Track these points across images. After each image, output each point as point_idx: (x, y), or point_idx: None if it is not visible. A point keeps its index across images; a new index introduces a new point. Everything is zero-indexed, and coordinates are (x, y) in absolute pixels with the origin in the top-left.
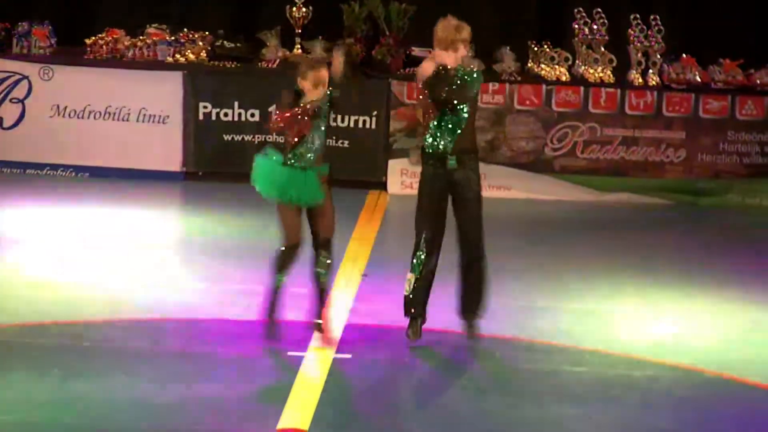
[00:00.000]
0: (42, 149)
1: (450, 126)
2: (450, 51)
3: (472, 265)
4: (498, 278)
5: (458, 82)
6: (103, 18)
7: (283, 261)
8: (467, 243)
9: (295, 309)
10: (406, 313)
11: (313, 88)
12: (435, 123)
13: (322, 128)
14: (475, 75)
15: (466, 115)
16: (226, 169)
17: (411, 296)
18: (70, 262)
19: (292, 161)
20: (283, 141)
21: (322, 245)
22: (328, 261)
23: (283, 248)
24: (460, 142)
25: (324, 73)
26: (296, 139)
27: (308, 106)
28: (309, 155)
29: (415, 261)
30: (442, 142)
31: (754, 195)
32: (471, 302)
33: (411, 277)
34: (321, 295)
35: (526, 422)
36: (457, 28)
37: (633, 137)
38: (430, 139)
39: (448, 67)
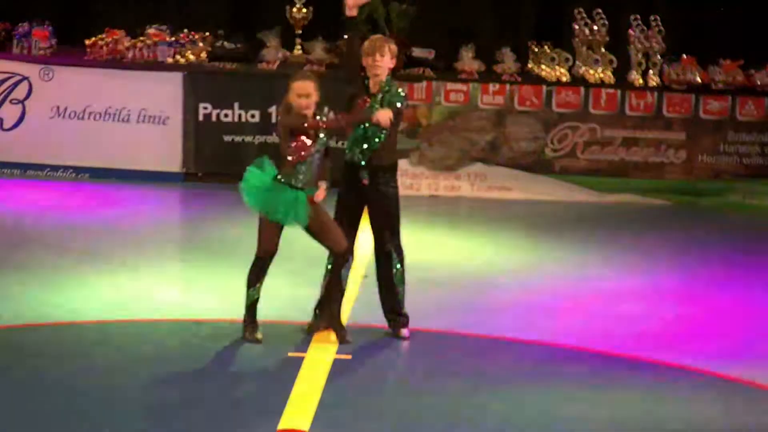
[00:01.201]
0: (42, 150)
1: (367, 140)
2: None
3: (380, 261)
4: (498, 279)
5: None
6: (103, 19)
7: (257, 271)
8: (376, 242)
9: (293, 310)
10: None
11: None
12: (353, 136)
13: (320, 150)
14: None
15: (382, 133)
16: (226, 170)
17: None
18: (69, 262)
19: (289, 179)
20: (282, 153)
21: (339, 257)
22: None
23: (258, 257)
24: (376, 157)
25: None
26: (300, 156)
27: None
28: (308, 175)
29: (328, 266)
30: (357, 156)
31: (754, 196)
32: (384, 301)
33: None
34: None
35: (527, 422)
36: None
37: (633, 138)
38: (348, 151)
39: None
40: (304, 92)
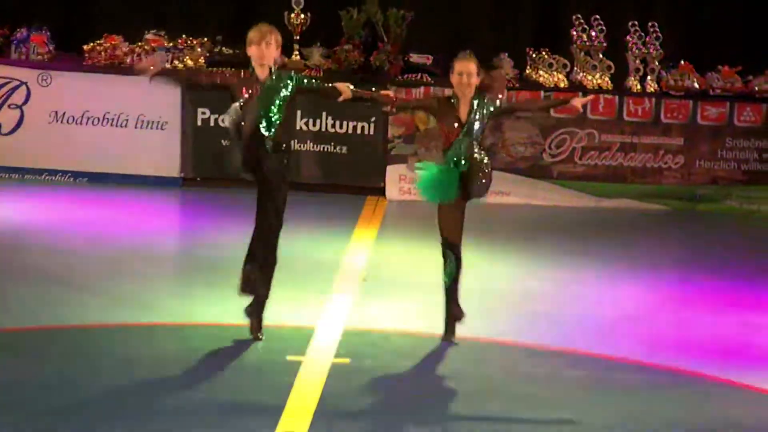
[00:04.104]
0: (40, 155)
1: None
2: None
3: (259, 246)
4: (499, 280)
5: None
6: (102, 24)
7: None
8: (257, 225)
9: (292, 314)
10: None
11: None
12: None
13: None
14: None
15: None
16: (225, 175)
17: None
18: (69, 265)
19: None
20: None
21: (447, 247)
22: (448, 269)
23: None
24: (276, 135)
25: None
26: (444, 142)
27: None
28: (461, 158)
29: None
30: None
31: (751, 201)
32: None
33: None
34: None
35: (524, 427)
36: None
37: (631, 143)
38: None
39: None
40: (465, 70)
